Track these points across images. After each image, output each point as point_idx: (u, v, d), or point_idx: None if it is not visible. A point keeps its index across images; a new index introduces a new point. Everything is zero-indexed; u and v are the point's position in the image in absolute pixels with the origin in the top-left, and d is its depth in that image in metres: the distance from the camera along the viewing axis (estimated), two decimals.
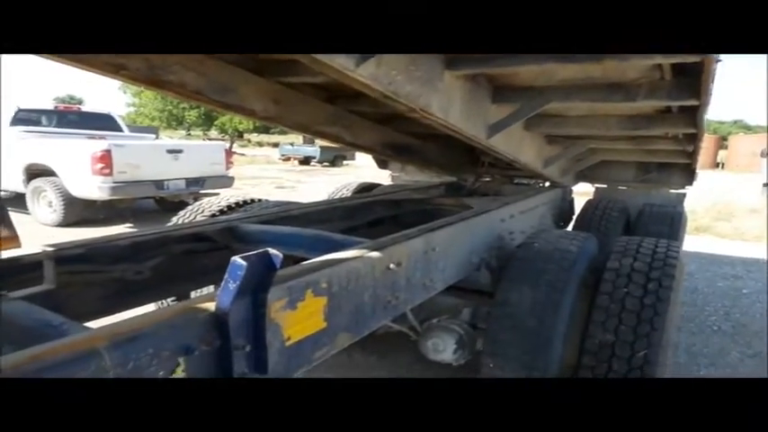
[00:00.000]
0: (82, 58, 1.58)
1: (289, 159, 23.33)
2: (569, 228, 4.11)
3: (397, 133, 3.49)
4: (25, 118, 7.82)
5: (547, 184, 4.08)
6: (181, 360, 1.09)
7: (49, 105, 8.93)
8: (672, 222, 3.63)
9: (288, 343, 1.37)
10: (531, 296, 2.11)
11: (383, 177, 5.49)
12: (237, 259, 1.07)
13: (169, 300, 2.87)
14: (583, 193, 4.74)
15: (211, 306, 1.16)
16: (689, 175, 4.02)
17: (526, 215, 3.18)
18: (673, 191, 4.19)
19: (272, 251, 1.15)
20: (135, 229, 6.48)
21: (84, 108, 8.87)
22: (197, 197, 8.08)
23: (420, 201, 3.51)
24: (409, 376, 3.30)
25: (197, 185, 7.61)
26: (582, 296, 2.21)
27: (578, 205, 4.46)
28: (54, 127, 8.04)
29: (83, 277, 1.69)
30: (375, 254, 1.74)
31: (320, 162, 22.42)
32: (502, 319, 2.13)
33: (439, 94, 1.91)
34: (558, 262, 2.19)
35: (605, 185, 4.37)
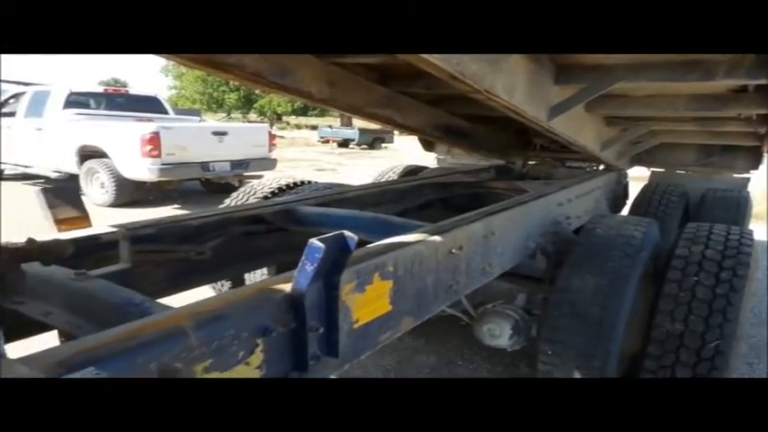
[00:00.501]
0: None
1: (327, 142, 23.43)
2: (623, 213, 3.99)
3: (448, 115, 3.42)
4: (76, 101, 8.06)
5: (601, 167, 3.95)
6: (259, 341, 1.10)
7: (97, 88, 9.17)
8: (738, 208, 3.46)
9: (356, 326, 1.36)
10: (594, 283, 2.05)
11: (426, 160, 5.44)
12: (315, 241, 1.06)
13: (224, 282, 2.92)
14: (636, 177, 4.58)
15: (286, 287, 1.16)
16: (755, 158, 3.81)
17: (582, 200, 3.09)
18: (736, 175, 3.99)
19: (347, 233, 1.13)
20: (188, 211, 6.63)
21: (132, 91, 9.04)
22: (241, 179, 8.21)
23: (470, 184, 3.45)
24: (458, 361, 3.28)
25: (241, 167, 7.72)
26: (646, 284, 2.14)
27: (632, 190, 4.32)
28: (103, 109, 8.26)
29: (150, 257, 1.73)
30: (438, 238, 1.71)
31: (359, 145, 22.43)
32: (562, 306, 2.08)
33: (503, 74, 1.85)
34: (622, 248, 2.12)
35: (662, 169, 4.20)
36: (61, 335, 1.28)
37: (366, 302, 1.41)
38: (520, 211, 2.33)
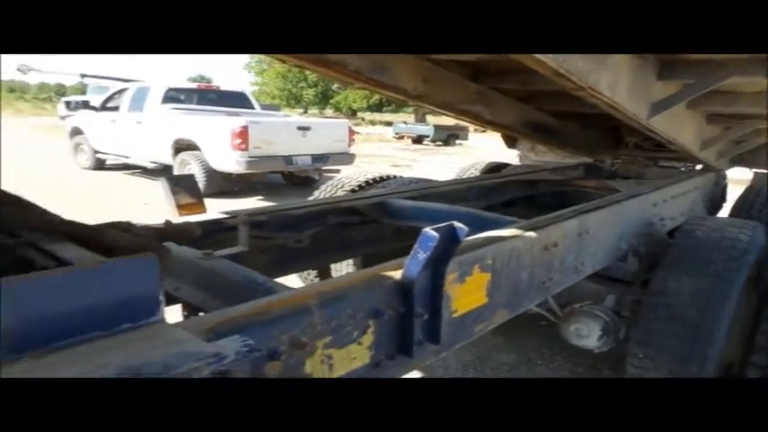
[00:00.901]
0: None
1: (402, 138, 23.55)
2: (720, 215, 3.78)
3: (537, 111, 3.39)
4: (173, 96, 8.61)
5: (698, 167, 3.76)
6: (371, 323, 1.17)
7: (191, 85, 9.73)
8: None
9: (454, 315, 1.41)
10: (693, 286, 1.98)
11: (506, 156, 5.38)
12: (429, 230, 1.12)
13: (310, 272, 3.05)
14: (736, 180, 4.32)
15: (397, 274, 1.22)
16: None
17: (677, 201, 2.97)
18: None
19: (458, 224, 1.18)
20: (271, 203, 6.93)
21: (222, 87, 9.52)
22: (321, 173, 8.46)
23: (557, 182, 3.40)
24: (538, 360, 3.25)
25: (321, 161, 7.96)
26: (749, 289, 2.04)
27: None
28: (196, 104, 8.77)
29: (259, 242, 1.86)
30: (534, 234, 1.72)
31: (433, 141, 22.40)
32: (657, 309, 2.03)
33: (608, 70, 1.83)
34: (725, 251, 2.03)
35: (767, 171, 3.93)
36: (185, 308, 1.41)
37: (465, 293, 1.45)
38: (613, 211, 2.29)
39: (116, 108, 8.97)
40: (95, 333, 0.80)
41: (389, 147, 20.65)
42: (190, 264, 1.40)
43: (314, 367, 1.06)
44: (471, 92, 2.76)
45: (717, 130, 3.22)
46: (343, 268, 3.01)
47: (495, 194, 3.16)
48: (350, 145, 8.45)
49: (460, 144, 22.63)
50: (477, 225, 1.97)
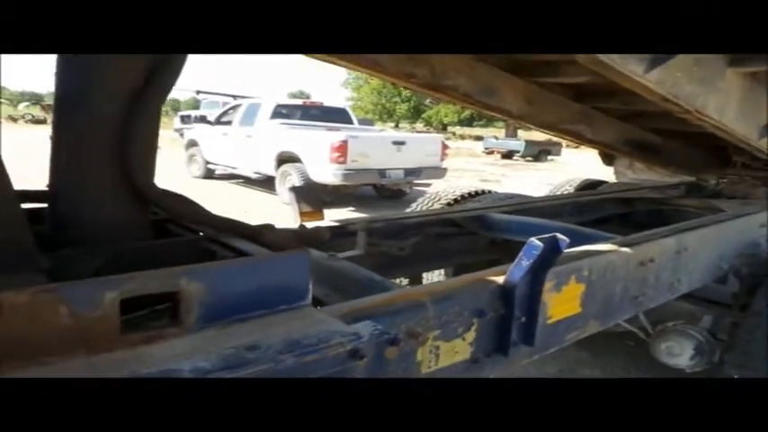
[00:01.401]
0: (383, 68, 1.93)
1: (492, 153, 23.37)
2: None
3: (639, 130, 3.38)
4: (281, 112, 9.24)
5: None
6: (475, 321, 1.33)
7: (297, 101, 10.38)
8: None
9: (549, 321, 1.53)
10: None
11: (601, 174, 5.30)
12: (535, 240, 1.26)
13: (402, 279, 3.24)
14: None
15: (499, 279, 1.37)
16: None
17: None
18: None
19: (560, 236, 1.31)
20: (363, 214, 7.25)
21: (325, 103, 10.08)
22: (412, 186, 8.69)
23: (655, 200, 3.36)
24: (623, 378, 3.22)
25: (414, 175, 8.19)
26: None
27: None
28: (300, 119, 9.35)
29: (370, 248, 2.07)
30: (630, 249, 1.80)
31: (523, 156, 22.03)
32: (756, 331, 2.01)
33: (717, 93, 1.88)
34: None
35: None
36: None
37: (560, 302, 1.57)
38: (715, 230, 2.29)
39: (229, 122, 9.76)
40: (262, 311, 1.01)
41: (479, 161, 20.58)
42: (317, 263, 1.63)
43: (423, 356, 1.23)
44: (574, 112, 2.84)
45: None
46: (434, 277, 3.17)
47: (589, 211, 3.20)
48: (442, 159, 8.62)
49: (552, 160, 22.07)
50: (573, 239, 2.04)
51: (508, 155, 22.52)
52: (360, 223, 1.88)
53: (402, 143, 8.02)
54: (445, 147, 8.84)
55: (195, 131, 10.85)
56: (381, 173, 7.81)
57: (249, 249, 1.08)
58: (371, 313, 1.15)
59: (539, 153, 21.95)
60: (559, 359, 3.35)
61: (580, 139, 3.14)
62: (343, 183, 7.62)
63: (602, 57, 1.38)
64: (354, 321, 1.09)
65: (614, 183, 4.61)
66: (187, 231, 1.25)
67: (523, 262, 1.30)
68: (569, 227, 2.19)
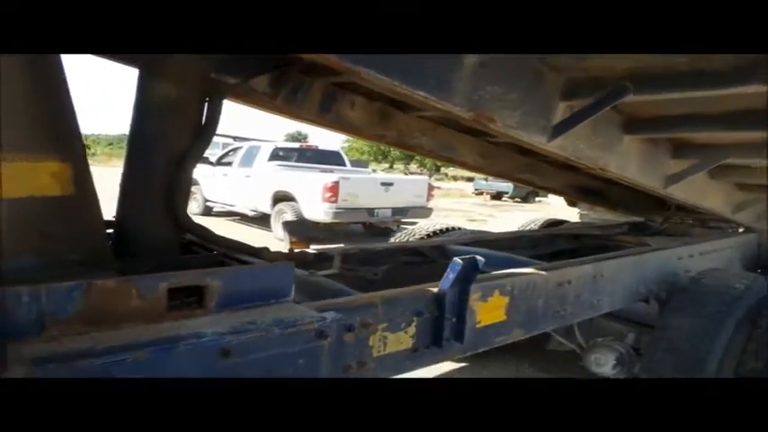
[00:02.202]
0: (358, 130, 2.46)
1: (482, 194, 24.05)
2: None
3: (583, 177, 3.91)
4: (278, 154, 9.84)
5: (741, 229, 4.07)
6: (414, 319, 1.79)
7: (294, 144, 10.99)
8: None
9: (478, 325, 1.99)
10: (690, 324, 2.42)
11: (573, 215, 5.85)
12: (457, 259, 1.75)
13: None
14: None
15: (435, 289, 1.85)
16: None
17: (708, 257, 3.35)
18: None
19: (478, 257, 1.80)
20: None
21: (321, 146, 10.67)
22: (399, 224, 9.20)
23: (600, 237, 3.87)
24: None
25: (401, 214, 8.72)
26: (744, 330, 2.44)
27: None
28: (296, 161, 9.94)
29: (346, 272, 2.55)
30: (549, 272, 2.29)
31: (512, 197, 22.69)
32: (660, 342, 2.48)
33: (617, 155, 2.39)
34: (720, 296, 2.47)
35: None
36: None
37: (487, 310, 2.04)
38: (632, 260, 2.78)
39: (229, 163, 10.34)
40: (259, 302, 1.48)
41: (469, 202, 21.21)
42: (300, 278, 2.10)
43: (374, 342, 1.69)
44: (521, 164, 3.37)
45: (749, 196, 3.57)
46: None
47: (543, 245, 3.69)
48: (428, 200, 9.18)
49: (539, 201, 22.73)
50: (508, 264, 2.55)
51: (497, 196, 23.19)
52: (337, 250, 2.37)
53: (390, 184, 8.59)
54: (431, 188, 9.42)
55: (196, 171, 11.34)
56: (370, 211, 8.34)
57: (251, 261, 1.56)
58: (336, 308, 1.63)
59: (527, 194, 22.61)
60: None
61: (533, 185, 3.67)
62: (335, 220, 8.13)
63: (512, 131, 1.90)
64: (326, 311, 1.56)
65: (574, 222, 5.13)
66: (206, 250, 1.73)
67: (450, 275, 1.78)
68: (511, 256, 2.68)
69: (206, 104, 1.62)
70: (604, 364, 2.70)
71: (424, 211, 9.06)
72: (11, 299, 1.10)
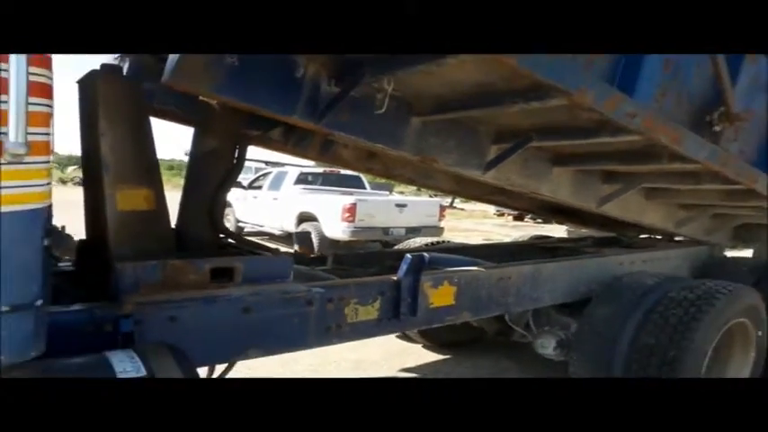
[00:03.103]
0: (349, 163, 3.26)
1: (503, 214, 24.52)
2: None
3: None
4: (303, 179, 10.77)
5: None
6: (378, 297, 2.54)
7: (318, 169, 11.85)
8: None
9: (431, 306, 2.71)
10: (607, 311, 3.10)
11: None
12: (408, 255, 2.51)
13: None
14: None
15: (395, 277, 2.60)
16: None
17: (651, 264, 3.98)
18: None
19: (425, 254, 2.55)
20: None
21: (342, 171, 11.51)
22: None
23: (569, 249, 4.54)
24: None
25: (414, 233, 9.44)
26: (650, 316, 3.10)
27: None
28: (319, 185, 10.83)
29: (341, 272, 3.31)
30: (492, 270, 3.00)
31: (533, 218, 23.09)
32: (586, 326, 3.16)
33: (548, 182, 3.10)
34: (633, 291, 3.14)
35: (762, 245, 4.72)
36: None
37: (438, 295, 2.76)
38: (570, 263, 3.47)
39: (259, 187, 11.32)
40: (269, 280, 2.27)
41: (490, 223, 21.75)
42: (299, 271, 2.88)
43: (348, 311, 2.43)
44: (491, 187, 4.09)
45: (690, 213, 4.20)
46: None
47: (516, 256, 4.39)
48: (440, 220, 9.92)
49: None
50: (464, 264, 3.27)
51: (519, 216, 23.61)
52: (331, 252, 3.16)
53: (404, 206, 9.39)
54: (443, 209, 10.16)
55: (230, 194, 12.39)
56: (385, 230, 9.12)
57: (263, 253, 2.35)
58: (321, 287, 2.39)
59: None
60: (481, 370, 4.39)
61: (505, 206, 4.38)
62: (352, 238, 8.94)
63: (452, 168, 2.67)
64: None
65: (560, 237, 5.80)
66: (234, 246, 2.54)
67: (404, 267, 2.54)
68: (475, 260, 3.40)
69: (236, 150, 2.45)
70: (547, 346, 3.38)
71: (436, 231, 9.78)
72: (121, 271, 1.91)
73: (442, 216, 10.00)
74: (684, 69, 2.36)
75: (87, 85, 2.07)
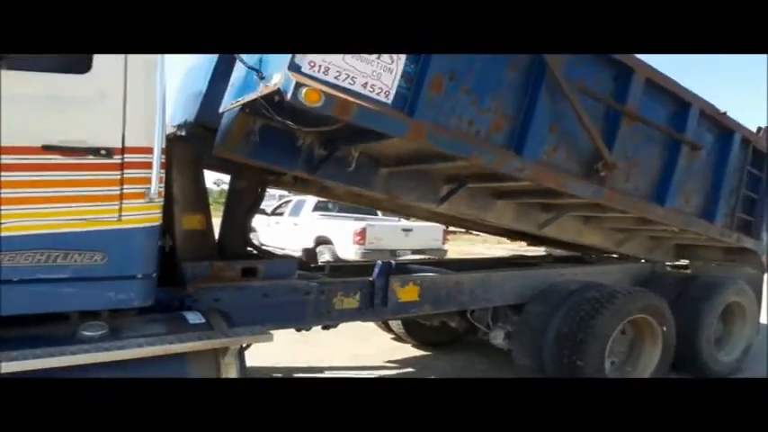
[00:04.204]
0: (337, 195, 4.34)
1: (517, 239, 25.21)
2: None
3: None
4: (320, 206, 11.90)
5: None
6: (358, 291, 3.55)
7: None
8: (714, 287, 4.86)
9: (399, 300, 3.72)
10: (539, 309, 4.06)
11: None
12: (380, 261, 3.55)
13: None
14: None
15: (370, 278, 3.62)
16: (756, 260, 5.07)
17: (592, 276, 4.88)
18: (753, 270, 5.24)
19: (392, 262, 3.59)
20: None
21: None
22: None
23: (531, 264, 5.51)
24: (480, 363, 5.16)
25: (419, 254, 10.44)
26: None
27: None
28: (335, 212, 11.96)
29: (333, 276, 4.34)
30: (449, 275, 4.00)
31: None
32: (522, 321, 4.11)
33: (493, 212, 4.09)
34: (560, 293, 4.10)
35: (701, 263, 5.59)
36: None
37: (405, 292, 3.76)
38: (520, 273, 4.44)
39: (281, 213, 12.51)
40: (280, 277, 3.33)
41: (504, 248, 22.45)
42: (304, 273, 3.92)
43: (336, 300, 3.45)
44: (448, 216, 5.13)
45: (625, 235, 5.12)
46: None
47: (484, 267, 5.36)
48: (444, 243, 10.92)
49: None
50: (433, 272, 4.27)
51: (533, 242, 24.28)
52: (326, 263, 4.21)
53: (410, 230, 10.42)
54: (446, 233, 11.15)
55: (255, 220, 13.63)
56: (393, 252, 10.13)
57: (277, 258, 3.41)
58: (316, 282, 3.43)
59: None
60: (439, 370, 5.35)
61: (474, 230, 5.38)
62: (363, 259, 9.97)
63: (413, 203, 3.71)
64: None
65: (535, 255, 6.74)
66: (257, 254, 3.60)
67: (376, 270, 3.57)
68: (435, 268, 4.39)
69: (259, 189, 3.54)
70: (498, 338, 4.32)
71: (440, 252, 10.76)
72: (185, 268, 2.98)
73: (445, 239, 10.99)
74: (572, 131, 3.37)
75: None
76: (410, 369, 4.97)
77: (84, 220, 2.04)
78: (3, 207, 1.90)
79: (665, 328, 4.16)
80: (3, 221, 1.91)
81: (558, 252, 6.95)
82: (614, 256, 5.97)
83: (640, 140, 3.75)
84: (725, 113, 4.11)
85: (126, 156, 2.08)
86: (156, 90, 2.12)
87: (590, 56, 3.16)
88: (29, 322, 2.09)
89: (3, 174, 1.90)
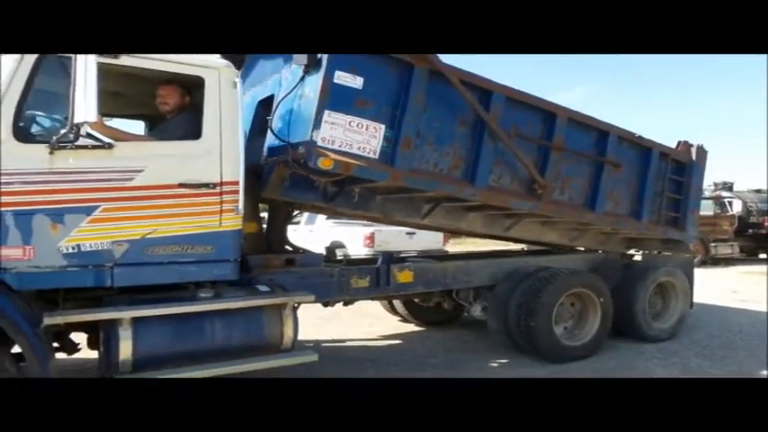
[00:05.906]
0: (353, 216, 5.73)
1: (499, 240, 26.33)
2: None
3: None
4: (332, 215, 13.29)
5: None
6: (369, 275, 4.90)
7: None
8: (645, 270, 6.15)
9: (398, 281, 5.05)
10: (505, 286, 5.39)
11: None
12: (381, 254, 4.91)
13: None
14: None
15: (376, 265, 4.96)
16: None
17: (550, 263, 6.17)
18: (687, 255, 6.58)
19: (394, 256, 4.95)
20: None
21: None
22: None
23: (509, 255, 6.81)
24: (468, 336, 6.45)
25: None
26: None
27: None
28: (347, 219, 13.31)
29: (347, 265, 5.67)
30: (436, 263, 5.34)
31: None
32: (493, 296, 5.44)
33: (465, 222, 5.41)
34: (520, 273, 5.42)
35: (647, 252, 6.88)
36: None
37: (402, 276, 5.08)
38: (489, 261, 5.77)
39: (298, 222, 13.90)
40: (312, 266, 4.70)
41: (496, 246, 23.68)
42: (328, 264, 5.25)
43: (352, 281, 4.80)
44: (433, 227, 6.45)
45: (578, 232, 6.40)
46: None
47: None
48: (444, 244, 12.26)
49: None
50: (423, 261, 5.59)
51: None
52: (344, 256, 5.57)
53: (413, 233, 11.78)
54: (447, 236, 12.48)
55: None
56: (398, 253, 11.49)
57: (308, 252, 4.77)
58: (338, 268, 4.78)
59: None
60: (425, 341, 6.64)
61: (459, 233, 6.72)
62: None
63: (402, 219, 5.07)
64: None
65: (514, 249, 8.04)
66: (294, 250, 4.97)
67: (380, 259, 4.92)
68: (424, 257, 5.71)
69: (290, 210, 4.93)
70: (476, 311, 5.63)
71: (441, 253, 12.09)
72: (249, 260, 4.36)
73: (446, 241, 12.34)
74: (512, 163, 4.72)
75: None
76: (413, 340, 6.30)
77: (201, 226, 3.42)
78: (157, 220, 3.28)
79: (601, 299, 5.46)
80: (157, 228, 3.29)
81: (536, 248, 8.29)
82: (580, 249, 7.29)
83: (572, 163, 5.09)
84: (639, 136, 5.43)
85: (223, 187, 3.46)
86: (239, 146, 3.49)
87: (521, 105, 4.51)
88: (160, 290, 3.47)
89: (156, 200, 3.28)
